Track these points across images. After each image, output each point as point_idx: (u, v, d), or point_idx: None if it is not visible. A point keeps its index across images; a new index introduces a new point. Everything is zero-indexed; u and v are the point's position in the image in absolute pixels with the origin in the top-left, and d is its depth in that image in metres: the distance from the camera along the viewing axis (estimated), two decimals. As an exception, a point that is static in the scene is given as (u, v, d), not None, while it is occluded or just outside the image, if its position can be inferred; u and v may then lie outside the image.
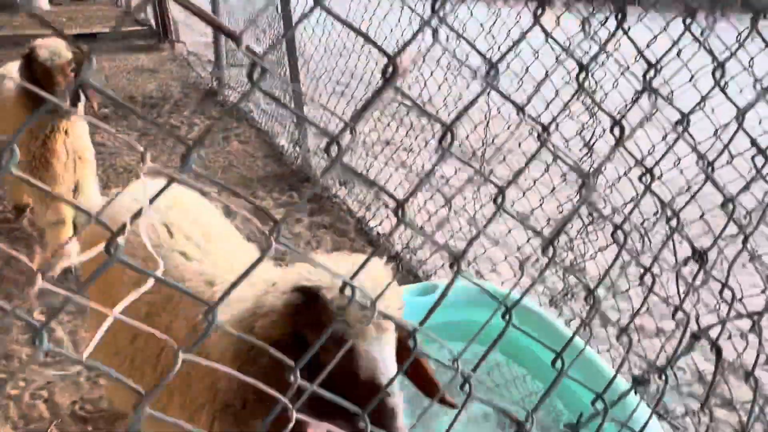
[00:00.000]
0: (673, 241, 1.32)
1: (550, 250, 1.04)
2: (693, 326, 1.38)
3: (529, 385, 3.29)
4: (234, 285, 0.74)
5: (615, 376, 1.28)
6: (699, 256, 1.29)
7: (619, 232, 1.16)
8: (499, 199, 0.98)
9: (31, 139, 3.67)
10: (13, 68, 4.02)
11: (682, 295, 1.32)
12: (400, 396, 1.34)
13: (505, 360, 3.40)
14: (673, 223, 1.26)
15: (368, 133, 5.75)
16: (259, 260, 0.71)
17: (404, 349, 1.52)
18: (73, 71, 3.57)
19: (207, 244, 1.97)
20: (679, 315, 1.31)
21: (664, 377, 1.25)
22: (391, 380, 1.22)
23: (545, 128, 1.01)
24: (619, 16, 1.06)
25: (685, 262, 1.32)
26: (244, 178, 5.56)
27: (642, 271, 1.22)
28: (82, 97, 3.82)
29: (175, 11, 9.09)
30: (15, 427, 2.98)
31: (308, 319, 1.41)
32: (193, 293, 0.79)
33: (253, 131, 6.49)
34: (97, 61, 4.42)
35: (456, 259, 0.93)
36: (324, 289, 1.39)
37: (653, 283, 1.20)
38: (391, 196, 0.87)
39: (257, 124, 6.58)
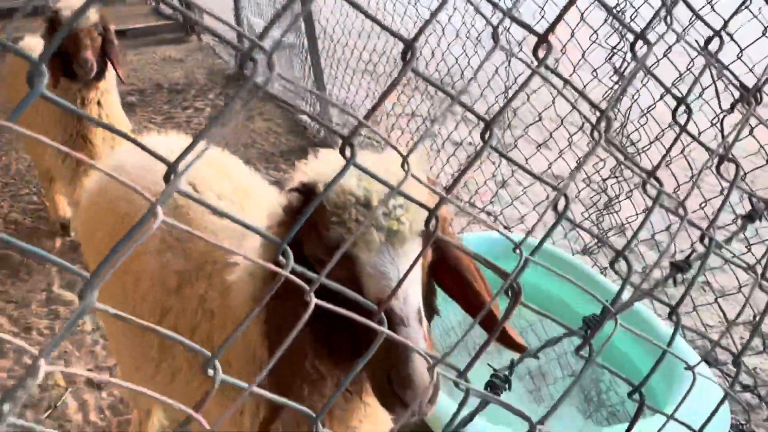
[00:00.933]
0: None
1: (562, 201, 0.84)
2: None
3: (564, 344, 3.07)
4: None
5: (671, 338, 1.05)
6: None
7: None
8: (486, 135, 0.78)
9: (65, 117, 3.52)
10: (31, 42, 3.87)
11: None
12: (420, 329, 1.03)
13: (538, 319, 3.20)
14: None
15: (392, 108, 5.57)
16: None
17: (450, 271, 1.28)
18: (100, 35, 3.41)
19: (243, 201, 1.80)
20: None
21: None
22: (390, 296, 0.90)
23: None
24: None
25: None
26: (266, 153, 5.46)
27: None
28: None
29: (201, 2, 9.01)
30: (31, 396, 2.90)
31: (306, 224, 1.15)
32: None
33: (277, 109, 6.39)
34: (125, 55, 4.31)
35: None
36: (322, 185, 1.14)
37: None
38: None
39: (280, 102, 6.48)
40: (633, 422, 0.78)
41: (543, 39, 0.69)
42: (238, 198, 1.78)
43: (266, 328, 1.21)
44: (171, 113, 6.31)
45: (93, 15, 3.33)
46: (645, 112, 2.72)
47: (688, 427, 1.04)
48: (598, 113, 0.80)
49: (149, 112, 6.35)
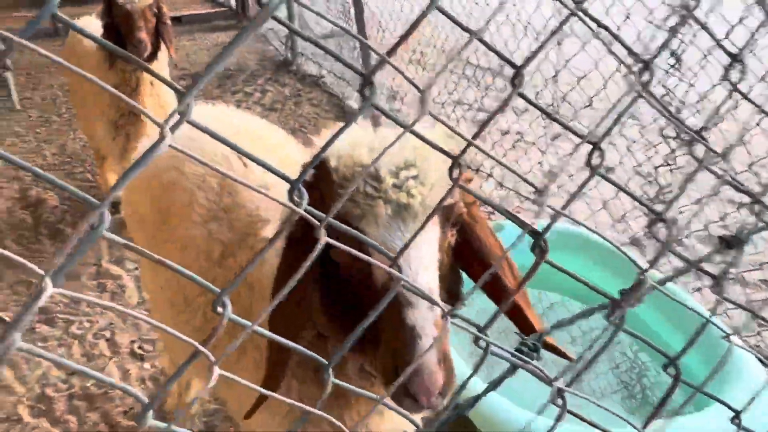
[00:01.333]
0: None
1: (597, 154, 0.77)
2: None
3: (590, 321, 2.97)
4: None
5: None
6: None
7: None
8: (517, 80, 0.71)
9: (122, 77, 3.53)
10: (90, 21, 3.90)
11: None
12: (430, 314, 0.92)
13: (561, 299, 3.11)
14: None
15: (438, 95, 5.50)
16: None
17: (475, 255, 1.16)
18: (155, 16, 3.44)
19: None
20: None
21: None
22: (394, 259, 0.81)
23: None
24: None
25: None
26: (311, 140, 5.46)
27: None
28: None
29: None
30: (76, 362, 2.97)
31: (316, 200, 1.08)
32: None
33: (325, 95, 6.41)
34: (178, 41, 4.35)
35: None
36: (333, 158, 1.06)
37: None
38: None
39: (329, 88, 6.50)
40: (666, 396, 0.71)
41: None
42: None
43: (277, 273, 1.14)
44: (221, 97, 6.39)
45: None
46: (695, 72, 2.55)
47: (736, 414, 0.96)
48: (640, 64, 0.73)
49: (200, 95, 6.43)
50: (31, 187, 4.67)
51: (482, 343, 0.68)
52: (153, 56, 3.51)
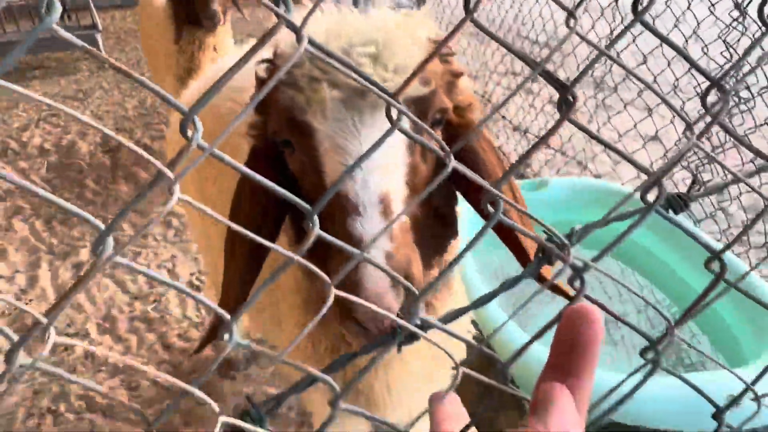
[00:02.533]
0: None
1: None
2: None
3: (648, 295, 2.77)
4: None
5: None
6: None
7: None
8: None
9: (180, 54, 3.51)
10: None
11: None
12: (381, 223, 0.72)
13: (622, 269, 2.91)
14: None
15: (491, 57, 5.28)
16: None
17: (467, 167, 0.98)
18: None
19: None
20: None
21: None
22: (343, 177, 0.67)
23: None
24: None
25: None
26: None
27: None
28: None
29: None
30: (140, 290, 3.02)
31: (268, 100, 0.84)
32: None
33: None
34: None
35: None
36: (282, 45, 0.84)
37: None
38: None
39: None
40: (702, 296, 0.59)
41: None
42: None
43: (237, 187, 0.97)
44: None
45: None
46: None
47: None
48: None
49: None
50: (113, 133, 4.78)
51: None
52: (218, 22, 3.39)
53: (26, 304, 2.93)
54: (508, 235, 0.92)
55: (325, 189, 0.76)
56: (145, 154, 0.45)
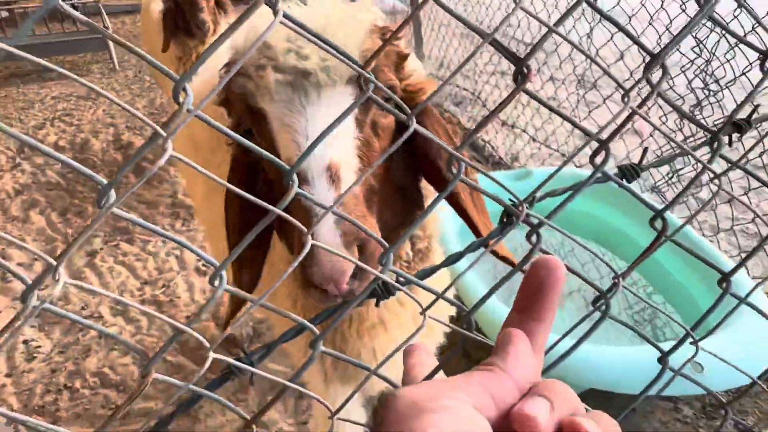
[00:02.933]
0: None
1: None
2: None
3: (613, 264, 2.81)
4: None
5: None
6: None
7: None
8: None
9: (185, 50, 3.39)
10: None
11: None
12: (330, 190, 0.72)
13: (585, 241, 2.96)
14: None
15: (484, 67, 5.30)
16: None
17: (421, 143, 0.89)
18: None
19: None
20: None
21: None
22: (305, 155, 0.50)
23: None
24: None
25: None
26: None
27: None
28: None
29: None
30: (149, 275, 3.04)
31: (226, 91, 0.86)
32: None
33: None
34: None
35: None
36: (232, 52, 0.85)
37: None
38: None
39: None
40: (647, 250, 0.62)
41: None
42: None
43: (226, 194, 1.00)
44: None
45: None
46: (733, 46, 2.32)
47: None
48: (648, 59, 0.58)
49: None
50: (124, 132, 4.80)
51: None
52: (213, 32, 3.29)
53: (42, 290, 2.96)
54: (463, 212, 0.93)
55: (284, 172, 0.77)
56: (148, 121, 0.48)
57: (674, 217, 2.50)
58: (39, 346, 2.58)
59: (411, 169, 0.95)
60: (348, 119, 0.76)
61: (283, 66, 0.75)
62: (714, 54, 2.44)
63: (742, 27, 2.09)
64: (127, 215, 0.50)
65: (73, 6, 8.33)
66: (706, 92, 2.56)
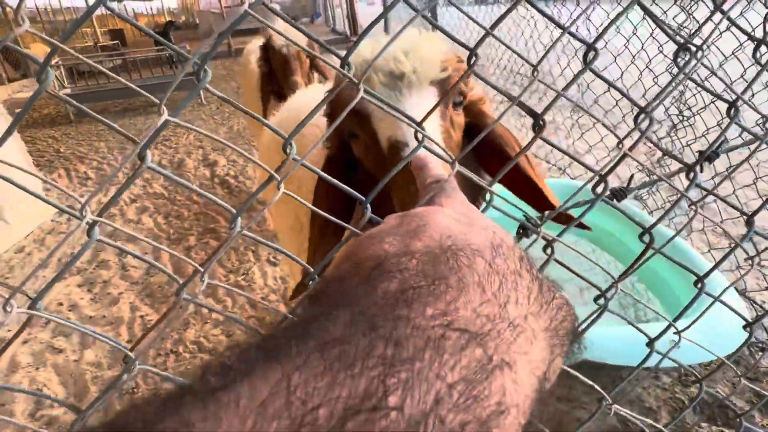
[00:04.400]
0: None
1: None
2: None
3: (609, 264, 2.76)
4: None
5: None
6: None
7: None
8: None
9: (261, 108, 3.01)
10: (251, 46, 3.55)
11: None
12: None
13: (592, 249, 2.91)
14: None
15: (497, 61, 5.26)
16: None
17: (489, 146, 0.89)
18: (308, 56, 2.77)
19: None
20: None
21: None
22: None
23: None
24: None
25: None
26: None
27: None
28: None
29: (364, 23, 9.14)
30: (233, 265, 3.14)
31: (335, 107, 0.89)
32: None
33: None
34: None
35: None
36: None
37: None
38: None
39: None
40: (637, 259, 0.64)
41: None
42: None
43: (315, 189, 0.97)
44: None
45: (301, 39, 2.68)
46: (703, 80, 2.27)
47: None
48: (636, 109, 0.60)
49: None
50: (210, 153, 4.96)
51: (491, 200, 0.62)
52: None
53: (151, 278, 3.09)
54: (529, 182, 0.92)
55: (382, 151, 0.78)
56: (250, 157, 0.53)
57: (661, 226, 2.46)
58: (152, 320, 2.71)
59: (472, 161, 0.94)
60: (435, 113, 0.76)
61: (383, 68, 0.78)
62: (686, 86, 2.39)
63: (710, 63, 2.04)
64: (252, 235, 0.55)
65: (170, 57, 8.62)
66: (680, 117, 2.51)
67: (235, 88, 7.10)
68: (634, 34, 2.59)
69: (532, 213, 0.65)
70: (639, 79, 2.65)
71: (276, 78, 2.81)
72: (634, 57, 2.65)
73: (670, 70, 2.52)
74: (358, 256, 0.34)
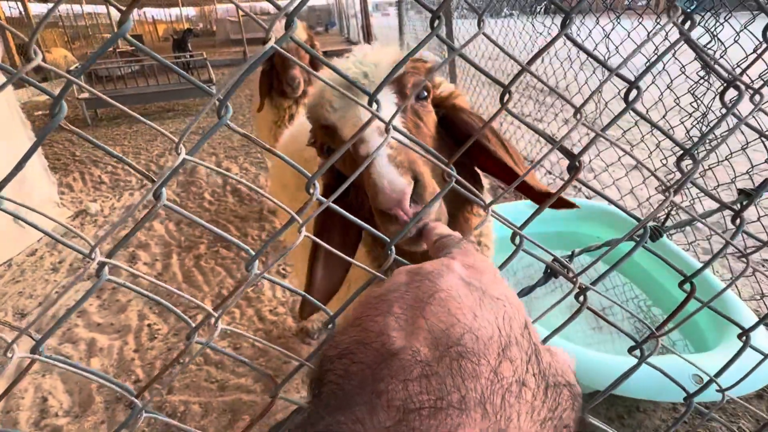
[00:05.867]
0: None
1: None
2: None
3: (640, 302, 2.66)
4: None
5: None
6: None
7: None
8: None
9: (279, 113, 3.06)
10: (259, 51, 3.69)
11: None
12: (378, 140, 0.70)
13: (623, 282, 2.79)
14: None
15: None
16: None
17: (464, 138, 0.84)
18: (307, 53, 2.74)
19: None
20: None
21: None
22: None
23: None
24: None
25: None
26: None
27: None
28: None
29: (378, 33, 9.18)
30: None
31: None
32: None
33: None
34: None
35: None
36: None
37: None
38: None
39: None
40: (678, 308, 0.60)
41: None
42: None
43: (315, 221, 0.96)
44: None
45: (302, 34, 2.83)
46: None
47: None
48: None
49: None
50: (223, 160, 4.97)
51: (517, 241, 0.59)
52: (305, 92, 2.90)
53: (164, 282, 3.08)
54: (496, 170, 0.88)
55: (354, 153, 0.76)
56: (268, 196, 0.50)
57: (693, 259, 2.33)
58: (159, 329, 2.70)
59: (448, 154, 0.90)
60: (392, 104, 0.79)
61: (336, 82, 0.81)
62: (710, 108, 2.33)
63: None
64: (270, 277, 0.52)
65: (186, 63, 8.73)
66: (707, 142, 2.44)
67: (249, 96, 7.14)
68: (655, 54, 2.54)
69: (558, 250, 0.61)
70: (660, 99, 2.60)
71: (277, 76, 2.86)
72: (654, 77, 2.60)
73: (692, 91, 2.47)
74: (365, 326, 0.35)
